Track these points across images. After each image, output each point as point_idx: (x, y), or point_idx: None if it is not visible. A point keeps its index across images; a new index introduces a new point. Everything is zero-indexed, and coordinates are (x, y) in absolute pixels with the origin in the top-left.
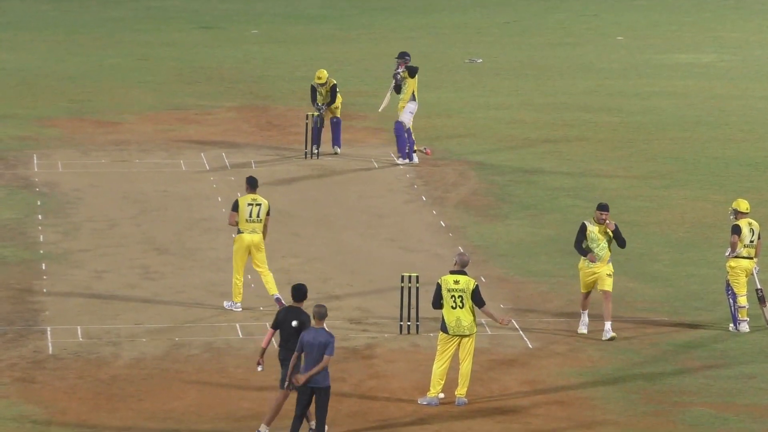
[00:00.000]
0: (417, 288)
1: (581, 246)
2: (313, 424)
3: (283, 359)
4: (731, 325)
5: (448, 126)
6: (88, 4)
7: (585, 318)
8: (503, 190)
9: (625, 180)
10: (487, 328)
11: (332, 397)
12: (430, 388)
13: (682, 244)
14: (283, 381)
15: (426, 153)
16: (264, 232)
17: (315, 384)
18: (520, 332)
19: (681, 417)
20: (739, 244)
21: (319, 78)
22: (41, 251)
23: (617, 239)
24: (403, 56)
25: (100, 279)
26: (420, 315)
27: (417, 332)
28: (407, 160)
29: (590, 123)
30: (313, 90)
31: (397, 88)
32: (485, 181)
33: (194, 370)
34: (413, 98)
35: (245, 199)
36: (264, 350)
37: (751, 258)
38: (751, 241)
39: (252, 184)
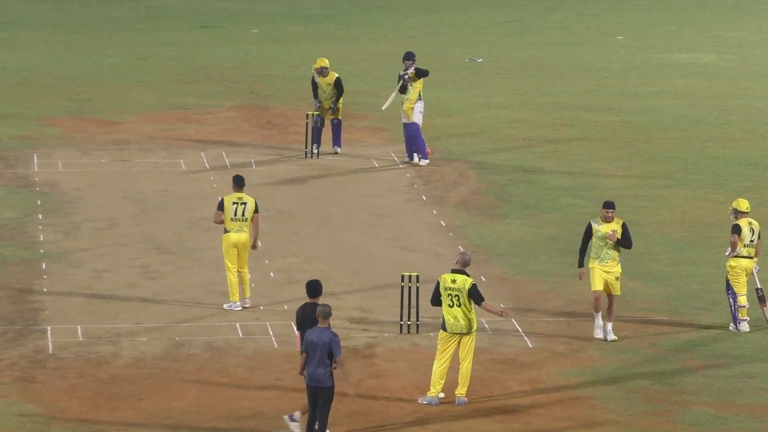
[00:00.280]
0: (417, 287)
1: (584, 250)
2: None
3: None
4: (731, 324)
5: (448, 126)
6: (88, 4)
7: (599, 321)
8: (503, 189)
9: (625, 180)
10: (488, 328)
11: (333, 397)
12: (431, 388)
13: (682, 243)
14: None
15: (426, 152)
16: (256, 230)
17: (318, 384)
18: (520, 332)
19: (681, 416)
20: (739, 244)
21: (316, 64)
22: (41, 251)
23: (624, 242)
24: (410, 57)
25: (100, 278)
26: (420, 315)
27: (417, 332)
28: (427, 161)
29: (590, 123)
30: (314, 84)
31: (403, 89)
32: (485, 181)
33: (194, 370)
34: (419, 98)
35: (230, 198)
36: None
37: (751, 257)
38: (751, 241)
39: (238, 183)
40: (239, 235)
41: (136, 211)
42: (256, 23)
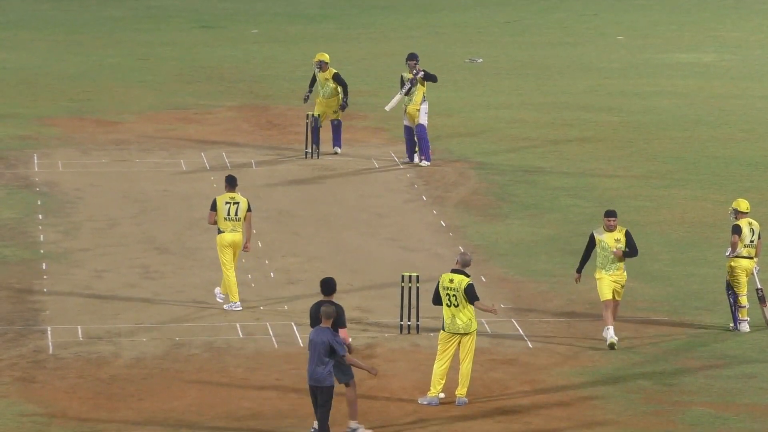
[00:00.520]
0: (417, 287)
1: (585, 258)
2: (352, 423)
3: None
4: (731, 324)
5: (448, 126)
6: (88, 4)
7: (611, 332)
8: (503, 189)
9: (625, 180)
10: (488, 328)
11: (332, 397)
12: (431, 388)
13: (682, 243)
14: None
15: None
16: (248, 230)
17: (318, 383)
18: (520, 332)
19: (681, 417)
20: (740, 244)
21: (315, 58)
22: (41, 251)
23: (630, 251)
24: (414, 57)
25: (101, 278)
26: (420, 315)
27: (417, 332)
28: (429, 162)
29: (590, 123)
30: (314, 79)
31: (408, 91)
32: (485, 181)
33: (194, 370)
34: (424, 99)
35: (223, 198)
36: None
37: (751, 258)
38: (752, 241)
39: (231, 183)
40: (234, 234)
41: (136, 211)
42: (256, 23)
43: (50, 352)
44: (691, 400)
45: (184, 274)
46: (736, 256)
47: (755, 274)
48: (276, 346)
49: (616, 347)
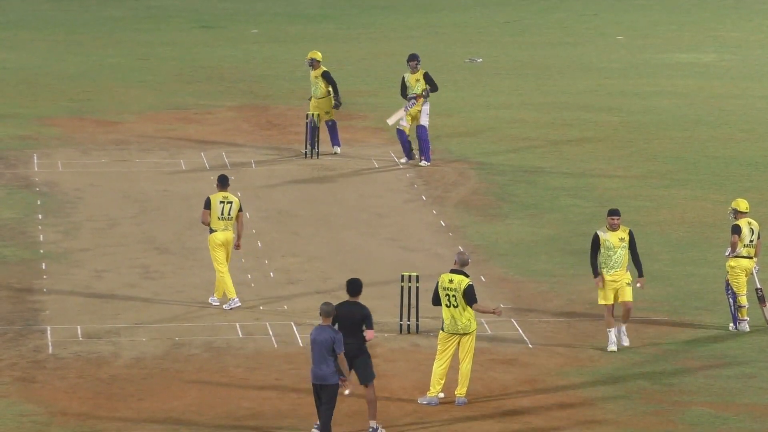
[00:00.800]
0: (417, 287)
1: (596, 261)
2: (373, 423)
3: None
4: (731, 324)
5: (448, 126)
6: (88, 4)
7: (612, 336)
8: (503, 189)
9: (625, 180)
10: (488, 328)
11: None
12: (430, 388)
13: (682, 243)
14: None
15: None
16: (240, 229)
17: (323, 381)
18: (520, 332)
19: (681, 416)
20: (739, 244)
21: (307, 56)
22: (41, 251)
23: (632, 252)
24: (415, 58)
25: (100, 278)
26: (420, 315)
27: (417, 332)
28: (428, 162)
29: (590, 123)
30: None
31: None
32: (485, 181)
33: (194, 370)
34: (425, 100)
35: (217, 197)
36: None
37: (751, 258)
38: (751, 241)
39: (223, 182)
40: (225, 233)
41: (136, 211)
42: (256, 23)
43: (50, 352)
44: (691, 400)
45: (184, 274)
46: (736, 256)
47: (755, 274)
48: (276, 346)
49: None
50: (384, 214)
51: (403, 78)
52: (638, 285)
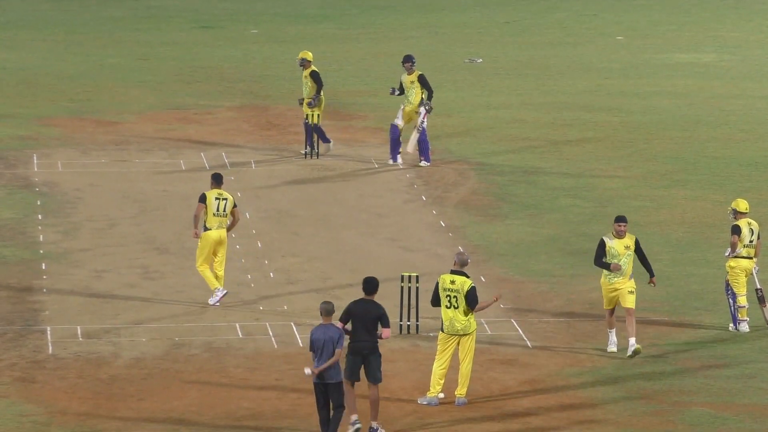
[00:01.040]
0: (417, 287)
1: (602, 261)
2: (374, 424)
3: (351, 351)
4: (731, 325)
5: (448, 126)
6: (88, 4)
7: (613, 337)
8: (503, 189)
9: (625, 180)
10: (487, 328)
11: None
12: (430, 388)
13: (682, 243)
14: (346, 373)
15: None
16: (235, 222)
17: (328, 380)
18: (520, 332)
19: (681, 417)
20: (739, 244)
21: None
22: (41, 251)
23: (640, 258)
24: (410, 59)
25: (100, 278)
26: (420, 315)
27: (417, 332)
28: (429, 163)
29: (590, 123)
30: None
31: (400, 92)
32: (485, 181)
33: (194, 370)
34: (422, 101)
35: (212, 194)
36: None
37: (751, 258)
38: (751, 241)
39: (217, 180)
40: (219, 232)
41: (136, 211)
42: (256, 23)
43: (50, 352)
44: (691, 400)
45: (184, 274)
46: (736, 257)
47: (755, 274)
48: (275, 346)
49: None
50: (384, 214)
51: (401, 80)
52: (651, 284)
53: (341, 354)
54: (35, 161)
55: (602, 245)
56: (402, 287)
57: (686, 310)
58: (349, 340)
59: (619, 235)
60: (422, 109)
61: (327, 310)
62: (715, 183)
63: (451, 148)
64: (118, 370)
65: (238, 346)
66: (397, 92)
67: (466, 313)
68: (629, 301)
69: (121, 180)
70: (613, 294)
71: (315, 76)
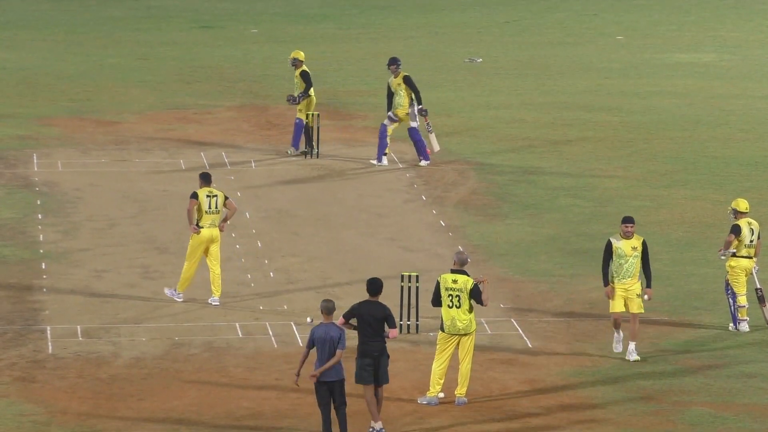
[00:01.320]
0: (417, 287)
1: (607, 269)
2: (378, 425)
3: (361, 354)
4: (731, 324)
5: (448, 125)
6: (88, 4)
7: (618, 335)
8: (503, 189)
9: (625, 180)
10: (488, 328)
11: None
12: (430, 388)
13: (681, 243)
14: (358, 377)
15: (427, 152)
16: (230, 214)
17: (330, 378)
18: (520, 332)
19: (681, 416)
20: (740, 244)
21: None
22: (41, 250)
23: (644, 262)
24: (395, 62)
25: (100, 278)
26: (420, 315)
27: (417, 332)
28: (428, 161)
29: (590, 122)
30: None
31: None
32: (485, 181)
33: (194, 370)
34: (412, 102)
35: (203, 191)
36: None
37: (751, 258)
38: (751, 241)
39: (206, 179)
40: (212, 230)
41: (136, 211)
42: (256, 23)
43: (50, 351)
44: (691, 400)
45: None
46: (736, 256)
47: (755, 274)
48: (275, 345)
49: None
50: (384, 214)
51: (389, 84)
52: (645, 297)
53: (342, 354)
54: (35, 161)
55: (609, 246)
56: (402, 287)
57: (686, 309)
58: (357, 344)
59: (627, 236)
60: (417, 114)
61: (327, 308)
62: (715, 183)
63: (451, 148)
64: (118, 370)
65: (238, 345)
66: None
67: (468, 312)
68: (636, 306)
69: (121, 180)
70: (624, 295)
71: (305, 77)
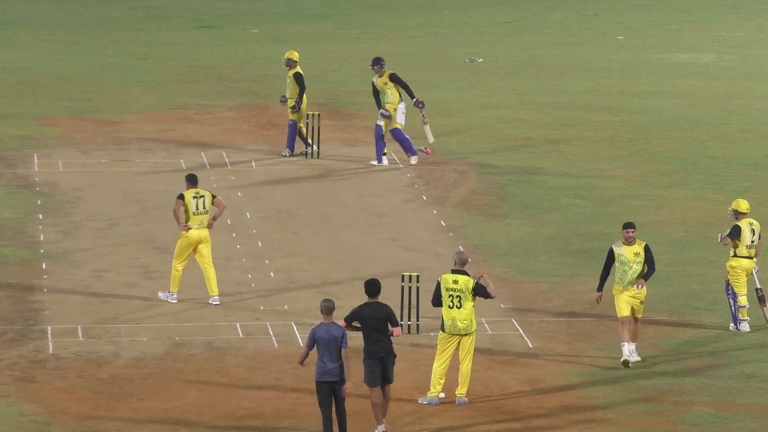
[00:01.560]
0: (417, 287)
1: (605, 275)
2: (381, 427)
3: (367, 356)
4: (731, 324)
5: (449, 125)
6: (88, 3)
7: (626, 351)
8: (503, 189)
9: (625, 180)
10: (488, 328)
11: None
12: (431, 388)
13: (682, 243)
14: (366, 378)
15: (426, 153)
16: (220, 212)
17: (331, 379)
18: (520, 332)
19: (681, 416)
20: (741, 245)
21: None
22: (41, 250)
23: (648, 268)
24: (379, 62)
25: (100, 278)
26: (420, 315)
27: (417, 332)
28: (416, 156)
29: (590, 122)
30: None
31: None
32: (485, 181)
33: (194, 370)
34: (401, 99)
35: (190, 193)
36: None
37: (752, 258)
38: (753, 242)
39: (192, 181)
40: (200, 231)
41: (136, 211)
42: (256, 23)
43: (50, 351)
44: (691, 400)
45: (184, 274)
46: (736, 256)
47: (755, 274)
48: (276, 345)
49: (630, 365)
50: (384, 214)
51: (373, 82)
52: (638, 285)
53: (347, 354)
54: (35, 161)
55: (611, 254)
56: (402, 287)
57: (686, 309)
58: (363, 346)
59: (629, 242)
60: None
61: (328, 308)
62: (715, 183)
63: (451, 148)
64: (118, 370)
65: (239, 345)
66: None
67: (469, 312)
68: (640, 311)
69: (121, 180)
70: (633, 300)
71: (299, 79)
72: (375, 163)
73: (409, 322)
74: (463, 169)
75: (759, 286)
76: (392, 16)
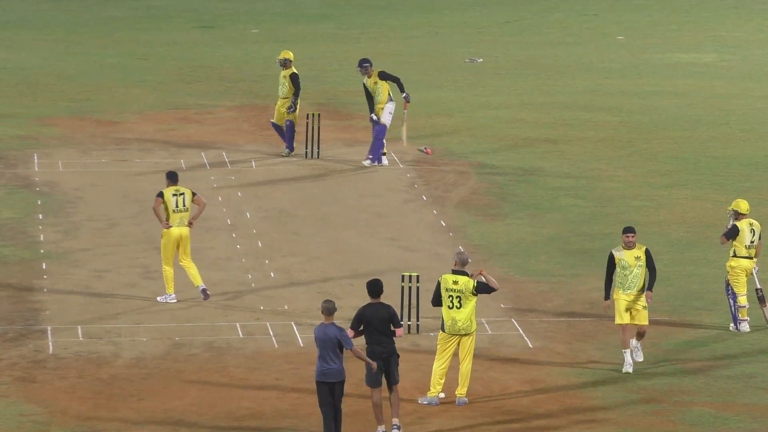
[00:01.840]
0: (417, 287)
1: (610, 282)
2: (381, 428)
3: (370, 357)
4: (731, 324)
5: (449, 125)
6: (88, 3)
7: (628, 358)
8: (503, 189)
9: (625, 180)
10: (488, 328)
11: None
12: (431, 388)
13: (682, 243)
14: (368, 379)
15: (426, 153)
16: (199, 211)
17: (336, 378)
18: (520, 332)
19: (681, 416)
20: (740, 245)
21: (279, 56)
22: (41, 250)
23: (650, 272)
24: (365, 62)
25: (101, 278)
26: (420, 315)
27: (417, 332)
28: (376, 163)
29: (590, 122)
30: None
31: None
32: (485, 181)
33: (194, 370)
34: (390, 99)
35: (169, 191)
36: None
37: (752, 258)
38: (752, 242)
39: (172, 178)
40: (181, 228)
41: (136, 211)
42: (256, 23)
43: (50, 351)
44: (691, 400)
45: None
46: (736, 256)
47: (755, 274)
48: (276, 346)
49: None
50: (384, 214)
51: (364, 84)
52: (648, 299)
53: (356, 351)
54: (36, 161)
55: (611, 259)
56: (402, 287)
57: (686, 310)
58: (366, 347)
59: (629, 246)
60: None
61: (328, 309)
62: (715, 183)
63: (451, 148)
64: (118, 370)
65: (239, 345)
66: (374, 117)
67: (470, 313)
68: (643, 319)
69: (121, 180)
70: (629, 306)
71: (294, 80)
72: (375, 163)
73: (409, 322)
74: (463, 169)
75: (759, 287)
76: (392, 16)
